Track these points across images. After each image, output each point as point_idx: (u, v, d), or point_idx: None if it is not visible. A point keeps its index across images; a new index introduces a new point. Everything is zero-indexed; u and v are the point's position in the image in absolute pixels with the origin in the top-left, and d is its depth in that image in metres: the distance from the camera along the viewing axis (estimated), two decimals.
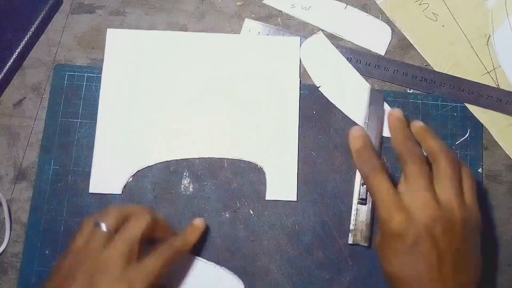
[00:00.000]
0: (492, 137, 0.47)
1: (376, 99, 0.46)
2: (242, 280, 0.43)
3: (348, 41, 0.49)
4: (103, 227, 0.37)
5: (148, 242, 0.38)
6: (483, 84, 0.47)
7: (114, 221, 0.38)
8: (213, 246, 0.43)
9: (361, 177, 0.42)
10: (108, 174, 0.45)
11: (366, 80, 0.47)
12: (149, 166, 0.45)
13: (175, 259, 0.39)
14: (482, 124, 0.47)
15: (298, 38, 0.47)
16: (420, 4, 0.49)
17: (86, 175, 0.45)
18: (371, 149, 0.41)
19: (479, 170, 0.46)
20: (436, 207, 0.36)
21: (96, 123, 0.46)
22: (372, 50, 0.48)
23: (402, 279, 0.36)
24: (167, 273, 0.38)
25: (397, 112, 0.43)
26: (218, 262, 0.43)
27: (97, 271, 0.35)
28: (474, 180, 0.39)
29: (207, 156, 0.45)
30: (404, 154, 0.39)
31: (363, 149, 0.41)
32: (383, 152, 0.45)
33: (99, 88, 0.47)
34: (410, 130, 0.42)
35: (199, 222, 0.43)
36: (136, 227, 0.37)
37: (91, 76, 0.47)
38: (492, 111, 0.47)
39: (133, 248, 0.36)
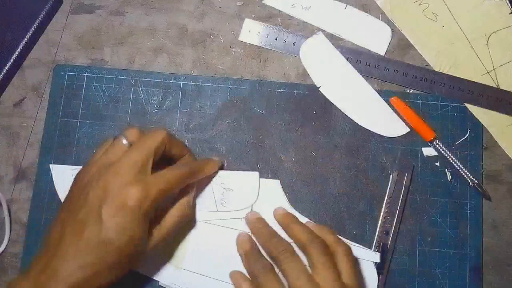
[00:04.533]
0: (492, 137, 0.47)
1: (404, 166, 0.45)
2: None
3: (348, 41, 0.49)
4: (122, 140, 0.38)
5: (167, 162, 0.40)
6: (483, 84, 0.47)
7: (133, 137, 0.39)
8: None
9: (251, 277, 0.40)
10: None
11: (366, 80, 0.47)
12: None
13: (189, 177, 0.40)
14: (482, 124, 0.47)
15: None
16: (420, 4, 0.49)
17: None
18: (259, 251, 0.41)
19: (479, 170, 0.46)
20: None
21: (96, 123, 0.46)
22: (372, 50, 0.48)
23: None
24: (178, 189, 0.39)
25: (252, 215, 0.43)
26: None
27: (111, 177, 0.35)
28: (350, 258, 0.39)
29: None
30: (273, 252, 0.39)
31: (251, 251, 0.41)
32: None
33: (100, 88, 0.47)
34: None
35: (217, 159, 0.45)
36: (151, 141, 0.38)
37: (91, 76, 0.47)
38: (492, 111, 0.47)
39: (147, 158, 0.37)
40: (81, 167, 0.44)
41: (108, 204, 0.35)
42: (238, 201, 0.44)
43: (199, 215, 0.44)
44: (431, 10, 0.49)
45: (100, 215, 0.35)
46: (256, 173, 0.45)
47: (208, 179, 0.44)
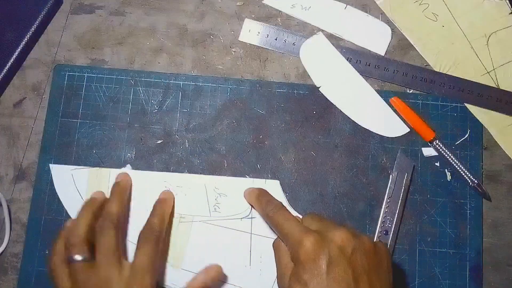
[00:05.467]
0: (492, 137, 0.47)
1: (404, 166, 0.45)
2: None
3: (348, 41, 0.49)
4: (78, 258, 0.37)
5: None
6: (483, 84, 0.47)
7: (84, 243, 0.38)
8: None
9: (266, 220, 0.41)
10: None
11: (366, 80, 0.47)
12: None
13: (160, 239, 0.40)
14: (482, 124, 0.47)
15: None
16: (420, 4, 0.49)
17: None
18: (268, 193, 0.42)
19: (479, 170, 0.46)
20: (345, 229, 0.36)
21: (96, 123, 0.46)
22: (372, 50, 0.48)
23: None
24: (157, 257, 0.39)
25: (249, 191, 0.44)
26: None
27: None
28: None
29: None
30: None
31: (261, 194, 0.42)
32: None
33: (100, 88, 0.47)
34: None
35: (167, 195, 0.44)
36: (109, 238, 0.38)
37: (91, 76, 0.47)
38: (492, 111, 0.47)
39: (117, 254, 0.38)
40: (81, 167, 0.44)
41: None
42: (231, 207, 0.44)
43: (195, 216, 0.44)
44: (431, 10, 0.49)
45: None
46: (250, 180, 0.45)
47: (202, 184, 0.44)
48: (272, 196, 0.42)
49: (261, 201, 0.41)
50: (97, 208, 0.41)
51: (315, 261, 0.34)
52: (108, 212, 0.40)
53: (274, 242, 0.39)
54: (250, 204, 0.43)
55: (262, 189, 0.43)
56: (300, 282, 0.34)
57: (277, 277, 0.38)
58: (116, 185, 0.43)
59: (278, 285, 0.37)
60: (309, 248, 0.34)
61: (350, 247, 0.35)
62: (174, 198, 0.44)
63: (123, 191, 0.43)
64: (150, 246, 0.38)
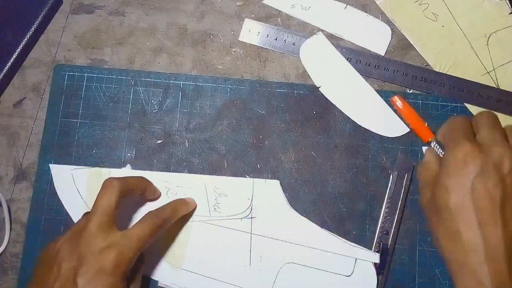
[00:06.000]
0: None
1: (404, 166, 0.45)
2: None
3: (348, 41, 0.49)
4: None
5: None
6: (483, 84, 0.47)
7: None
8: None
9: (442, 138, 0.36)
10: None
11: (366, 80, 0.47)
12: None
13: (162, 227, 0.39)
14: None
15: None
16: (420, 4, 0.49)
17: None
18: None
19: None
20: (506, 145, 0.32)
21: (96, 123, 0.46)
22: (372, 50, 0.48)
23: (460, 209, 0.32)
24: (153, 240, 0.38)
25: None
26: None
27: (83, 246, 0.35)
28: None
29: None
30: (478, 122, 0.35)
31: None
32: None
33: (100, 88, 0.47)
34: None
35: (191, 200, 0.44)
36: (105, 198, 0.37)
37: (91, 76, 0.47)
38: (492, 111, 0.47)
39: (109, 217, 0.37)
40: (81, 167, 0.44)
41: (83, 272, 0.34)
42: (231, 207, 0.44)
43: (195, 216, 0.44)
44: (431, 10, 0.49)
45: (76, 284, 0.34)
46: (250, 180, 0.45)
47: (202, 184, 0.44)
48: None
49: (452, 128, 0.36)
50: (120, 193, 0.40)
51: (465, 168, 0.32)
52: (120, 178, 0.39)
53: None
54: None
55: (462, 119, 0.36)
56: (441, 186, 0.32)
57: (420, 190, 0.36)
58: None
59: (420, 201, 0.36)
60: (462, 154, 0.32)
61: (506, 164, 0.31)
62: (196, 206, 0.44)
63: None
64: (150, 226, 0.38)
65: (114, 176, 0.40)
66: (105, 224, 0.37)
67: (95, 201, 0.38)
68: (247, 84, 0.47)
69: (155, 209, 0.40)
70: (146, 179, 0.43)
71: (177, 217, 0.42)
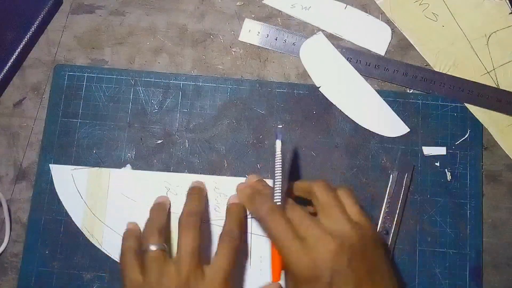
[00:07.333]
0: (492, 137, 0.47)
1: (404, 166, 0.45)
2: None
3: (348, 41, 0.49)
4: (153, 248, 0.37)
5: None
6: (483, 84, 0.47)
7: (160, 236, 0.39)
8: None
9: (258, 222, 0.40)
10: None
11: (366, 80, 0.47)
12: None
13: (239, 246, 0.39)
14: (482, 124, 0.47)
15: None
16: (420, 4, 0.49)
17: None
18: (263, 190, 0.41)
19: (479, 170, 0.46)
20: (332, 240, 0.35)
21: (96, 123, 0.46)
22: (372, 50, 0.48)
23: None
24: (235, 261, 0.38)
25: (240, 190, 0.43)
26: None
27: None
28: (354, 197, 0.39)
29: None
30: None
31: (254, 193, 0.41)
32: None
33: (100, 88, 0.47)
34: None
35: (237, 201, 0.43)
36: (192, 235, 0.38)
37: (91, 76, 0.47)
38: (492, 111, 0.47)
39: (198, 254, 0.37)
40: (81, 167, 0.44)
41: None
42: None
43: None
44: (431, 10, 0.49)
45: None
46: None
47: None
48: (267, 193, 0.40)
49: (253, 200, 0.40)
50: (166, 210, 0.42)
51: (316, 283, 0.34)
52: (190, 211, 0.40)
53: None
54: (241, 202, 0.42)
55: (255, 185, 0.42)
56: None
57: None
58: (193, 188, 0.43)
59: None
60: (307, 271, 0.35)
61: (343, 257, 0.35)
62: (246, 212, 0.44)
63: (201, 192, 0.43)
64: (229, 250, 0.38)
65: (190, 212, 0.40)
66: (196, 261, 0.37)
67: (181, 243, 0.37)
68: (247, 84, 0.47)
69: (223, 231, 0.40)
70: (198, 193, 0.43)
71: (243, 227, 0.42)
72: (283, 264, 0.37)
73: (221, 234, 0.40)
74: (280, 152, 0.39)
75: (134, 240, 0.40)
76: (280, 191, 0.38)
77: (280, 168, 0.39)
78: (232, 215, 0.41)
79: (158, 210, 0.42)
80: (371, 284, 0.35)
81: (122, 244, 0.40)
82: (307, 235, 0.36)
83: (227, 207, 0.42)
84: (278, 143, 0.40)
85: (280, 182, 0.39)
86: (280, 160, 0.39)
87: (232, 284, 0.37)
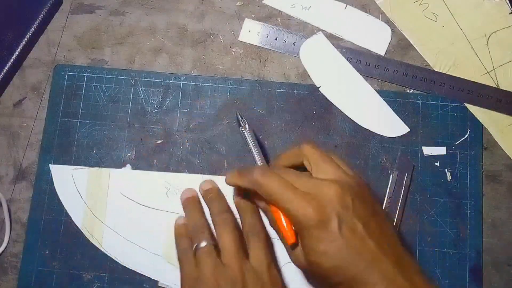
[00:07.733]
0: (492, 137, 0.47)
1: (404, 166, 0.45)
2: None
3: (348, 41, 0.49)
4: (203, 244, 0.38)
5: None
6: (483, 84, 0.47)
7: (208, 232, 0.39)
8: None
9: (255, 192, 0.39)
10: None
11: (366, 80, 0.47)
12: None
13: (266, 237, 0.40)
14: (482, 124, 0.47)
15: None
16: (420, 4, 0.49)
17: None
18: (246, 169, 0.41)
19: (479, 170, 0.46)
20: (332, 184, 0.36)
21: (96, 123, 0.46)
22: (372, 50, 0.48)
23: (338, 266, 0.34)
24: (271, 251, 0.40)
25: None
26: None
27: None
28: (340, 157, 0.40)
29: None
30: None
31: (240, 171, 0.41)
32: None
33: (100, 88, 0.47)
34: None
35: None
36: (232, 236, 0.38)
37: (91, 76, 0.47)
38: (492, 111, 0.47)
39: (242, 251, 0.38)
40: (81, 167, 0.44)
41: None
42: (232, 207, 0.44)
43: None
44: (431, 10, 0.49)
45: None
46: None
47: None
48: (250, 167, 0.40)
49: (242, 175, 0.40)
50: (200, 203, 0.43)
51: (326, 228, 0.34)
52: (220, 210, 0.41)
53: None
54: (234, 186, 0.42)
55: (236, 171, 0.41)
56: (317, 252, 0.35)
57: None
58: (206, 191, 0.43)
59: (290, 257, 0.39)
60: (312, 217, 0.35)
61: (348, 198, 0.35)
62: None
63: (216, 192, 0.43)
64: (263, 244, 0.39)
65: (221, 211, 0.41)
66: (240, 257, 0.37)
67: (224, 240, 0.38)
68: (247, 84, 0.47)
69: (248, 229, 0.40)
70: (214, 193, 0.43)
71: (260, 218, 0.42)
72: (291, 221, 0.37)
73: (245, 232, 0.40)
74: (249, 129, 0.42)
75: (186, 238, 0.41)
76: (261, 159, 0.41)
77: (255, 141, 0.42)
78: (247, 211, 0.42)
79: (193, 207, 0.42)
80: (375, 225, 0.35)
81: (176, 244, 0.41)
82: (306, 187, 0.36)
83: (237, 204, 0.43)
84: (245, 124, 0.42)
85: (259, 152, 0.42)
86: (253, 134, 0.42)
87: (277, 273, 0.38)
